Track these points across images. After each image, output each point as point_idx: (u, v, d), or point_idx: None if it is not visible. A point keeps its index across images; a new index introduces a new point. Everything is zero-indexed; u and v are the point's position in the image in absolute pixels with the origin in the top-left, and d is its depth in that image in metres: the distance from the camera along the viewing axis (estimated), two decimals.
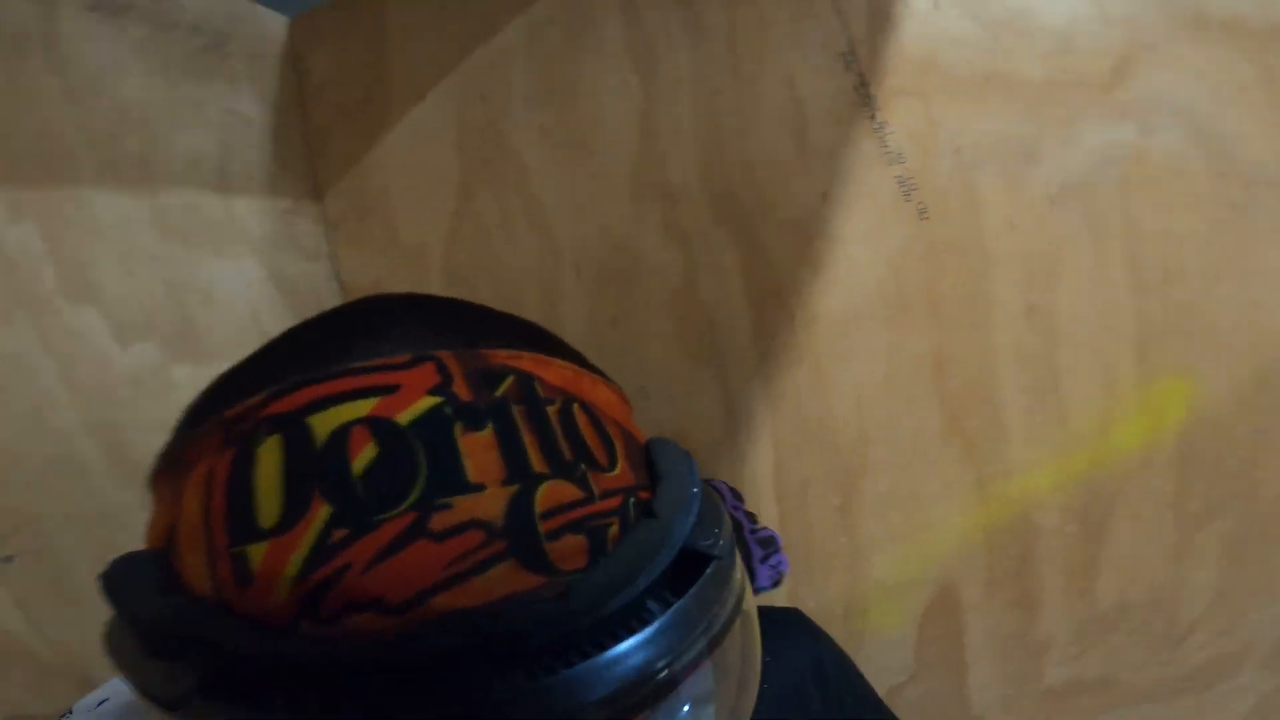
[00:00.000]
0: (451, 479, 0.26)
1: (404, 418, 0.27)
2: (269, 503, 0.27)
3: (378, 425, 0.27)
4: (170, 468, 0.30)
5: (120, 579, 0.29)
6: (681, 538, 0.29)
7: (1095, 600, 0.90)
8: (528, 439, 0.28)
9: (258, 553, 0.26)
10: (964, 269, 0.82)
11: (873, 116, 0.81)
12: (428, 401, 0.27)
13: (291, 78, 0.86)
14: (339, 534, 0.26)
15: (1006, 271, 0.83)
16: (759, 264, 0.85)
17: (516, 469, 0.27)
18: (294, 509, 0.26)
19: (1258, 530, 0.88)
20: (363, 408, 0.27)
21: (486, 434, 0.27)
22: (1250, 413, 0.86)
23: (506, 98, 0.83)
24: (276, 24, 0.87)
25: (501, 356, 0.30)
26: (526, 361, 0.30)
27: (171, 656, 0.26)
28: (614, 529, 0.28)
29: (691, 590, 0.28)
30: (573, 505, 0.28)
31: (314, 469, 0.27)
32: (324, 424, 0.27)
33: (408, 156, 0.84)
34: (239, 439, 0.28)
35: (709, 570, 0.29)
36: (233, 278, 0.74)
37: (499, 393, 0.29)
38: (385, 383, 0.28)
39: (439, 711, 0.23)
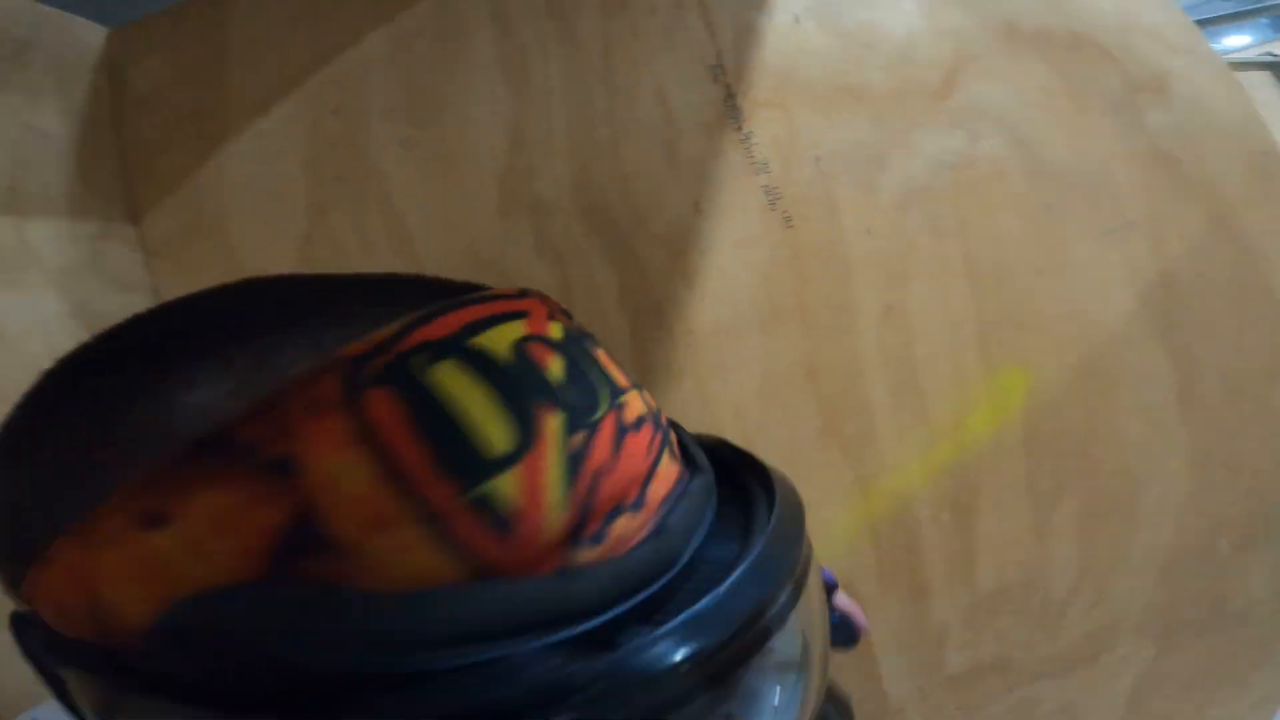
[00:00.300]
0: (613, 382, 0.27)
1: (555, 334, 0.27)
2: (492, 425, 0.23)
3: (548, 340, 0.26)
4: (196, 460, 0.21)
5: (266, 621, 0.21)
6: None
7: (977, 584, 0.97)
8: (616, 359, 0.30)
9: (508, 484, 0.22)
10: (827, 275, 0.87)
11: (739, 127, 0.84)
12: (557, 324, 0.27)
13: (107, 90, 0.76)
14: (577, 439, 0.24)
15: (865, 275, 0.89)
16: (634, 278, 0.85)
17: (630, 379, 0.29)
18: (525, 424, 0.23)
19: (1104, 505, 1.00)
20: (520, 327, 0.26)
21: (603, 351, 0.29)
22: (1081, 395, 0.97)
23: (365, 111, 0.77)
24: (92, 34, 0.76)
25: (554, 301, 0.30)
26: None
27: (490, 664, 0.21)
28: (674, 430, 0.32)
29: (776, 476, 0.32)
30: (657, 411, 0.30)
31: (522, 382, 0.24)
32: (496, 342, 0.24)
33: (249, 174, 0.77)
34: (383, 378, 0.22)
35: (761, 464, 0.33)
36: (25, 312, 0.64)
37: (578, 325, 0.30)
38: (516, 309, 0.26)
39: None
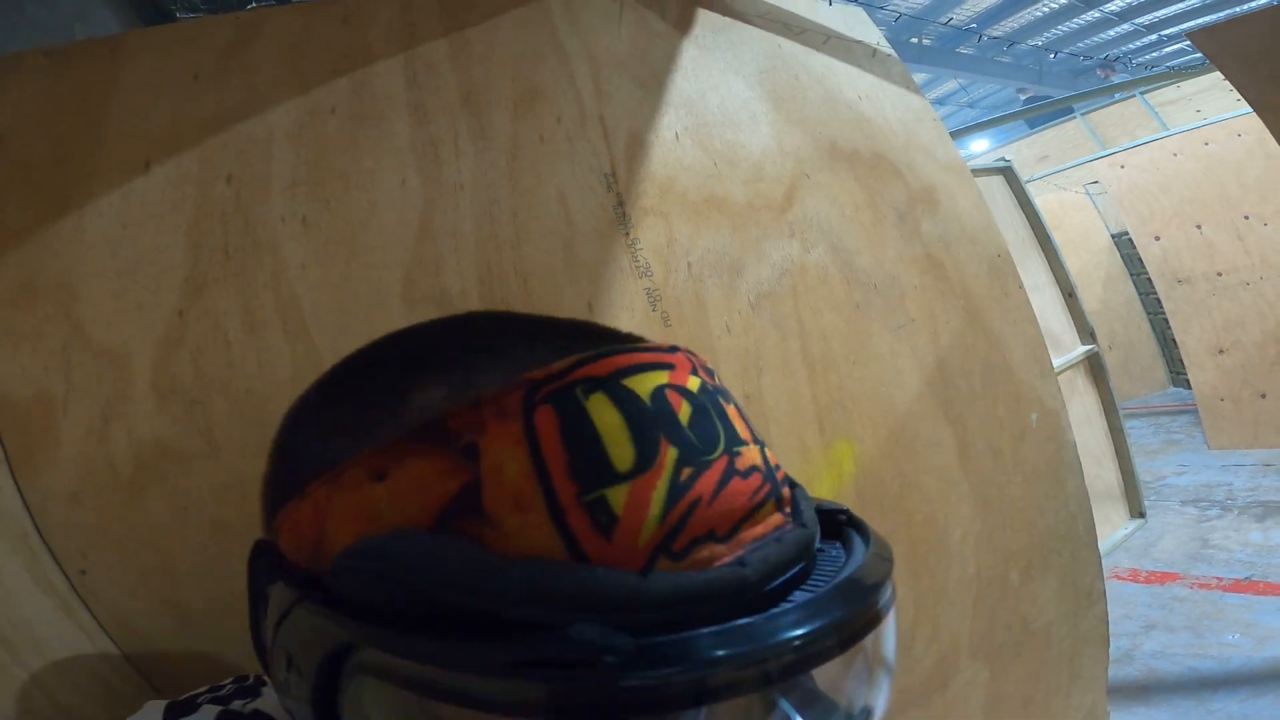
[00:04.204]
0: (734, 434, 0.38)
1: (692, 386, 0.38)
2: (621, 448, 0.34)
3: (681, 390, 0.37)
4: (420, 438, 0.35)
5: (412, 556, 0.33)
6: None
7: None
8: (746, 416, 0.41)
9: (619, 495, 0.33)
10: None
11: (628, 233, 1.03)
12: (696, 379, 0.39)
13: None
14: (687, 471, 0.35)
15: (728, 367, 1.12)
16: None
17: (754, 434, 0.40)
18: (648, 452, 0.34)
19: (921, 549, 1.37)
20: (662, 376, 0.37)
21: (733, 408, 0.40)
22: (892, 461, 1.34)
23: (264, 182, 0.83)
24: None
25: (705, 360, 0.43)
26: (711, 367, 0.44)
27: (550, 625, 0.31)
28: (789, 488, 0.43)
29: (867, 528, 0.45)
30: (778, 467, 0.41)
31: (653, 419, 0.35)
32: (641, 385, 0.36)
33: (113, 237, 0.79)
34: (551, 398, 0.34)
35: (850, 516, 0.45)
36: None
37: (717, 383, 0.41)
38: (664, 361, 0.38)
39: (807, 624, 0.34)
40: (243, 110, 0.83)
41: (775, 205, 1.27)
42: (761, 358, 1.18)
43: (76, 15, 1.47)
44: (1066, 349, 3.24)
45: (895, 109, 1.69)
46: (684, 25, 1.23)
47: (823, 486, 1.23)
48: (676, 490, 0.34)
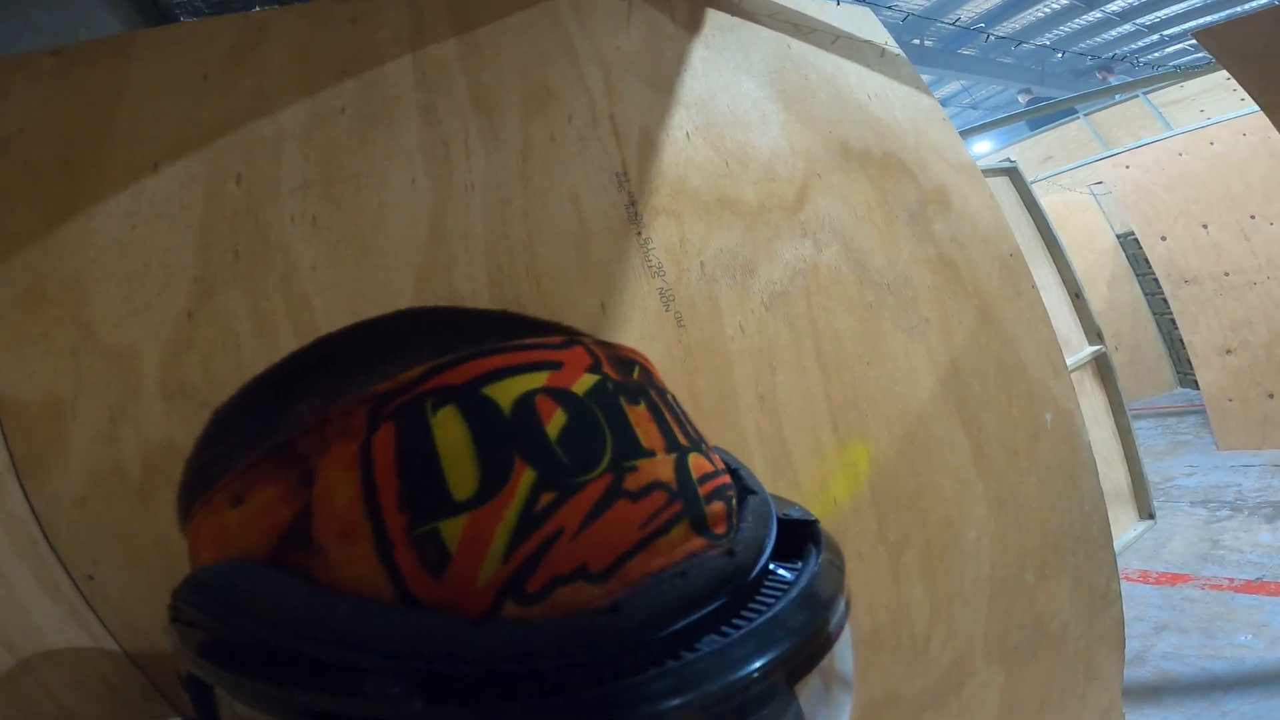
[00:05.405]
0: (631, 445, 0.32)
1: (578, 389, 0.32)
2: (461, 472, 0.29)
3: (560, 395, 0.32)
4: (270, 460, 0.31)
5: (229, 591, 0.30)
6: (774, 510, 0.37)
7: (858, 627, 1.23)
8: (668, 416, 0.35)
9: (454, 529, 0.28)
10: (713, 368, 1.08)
11: (640, 233, 1.02)
12: (591, 378, 0.33)
13: None
14: (547, 497, 0.29)
15: (741, 368, 1.11)
16: None
17: (671, 440, 0.34)
18: (494, 475, 0.29)
19: (936, 548, 1.36)
20: (538, 379, 0.32)
21: (643, 408, 0.34)
22: (907, 461, 1.33)
23: (274, 183, 0.82)
24: None
25: (623, 350, 0.37)
26: (640, 356, 0.38)
27: (359, 672, 0.27)
28: (734, 500, 0.36)
29: (826, 544, 0.37)
30: (711, 475, 0.35)
31: (509, 435, 0.30)
32: (504, 393, 0.31)
33: (123, 238, 0.78)
34: (396, 414, 0.30)
35: (815, 529, 0.37)
36: None
37: (634, 377, 0.36)
38: (548, 359, 0.33)
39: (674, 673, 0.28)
40: (252, 111, 0.83)
41: (787, 205, 1.26)
42: (775, 358, 1.17)
43: (81, 19, 1.47)
44: (1074, 350, 3.23)
45: (905, 109, 1.68)
46: (693, 25, 1.23)
47: (839, 487, 1.22)
48: (529, 521, 0.29)
